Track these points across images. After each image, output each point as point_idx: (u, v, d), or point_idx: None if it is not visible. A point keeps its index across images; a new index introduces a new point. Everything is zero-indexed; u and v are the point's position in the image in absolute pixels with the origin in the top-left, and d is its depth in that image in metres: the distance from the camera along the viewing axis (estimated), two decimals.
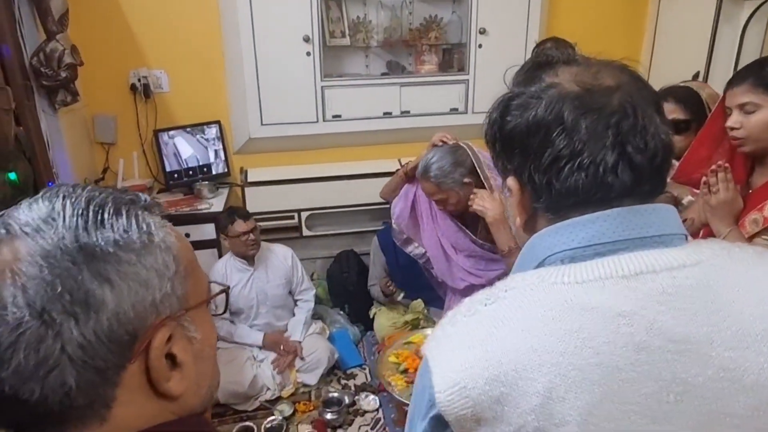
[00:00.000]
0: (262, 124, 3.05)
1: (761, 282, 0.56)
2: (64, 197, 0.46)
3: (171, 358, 0.47)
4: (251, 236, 2.58)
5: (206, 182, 2.96)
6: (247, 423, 2.44)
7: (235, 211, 2.60)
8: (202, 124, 3.01)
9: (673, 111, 1.84)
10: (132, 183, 2.89)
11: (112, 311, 0.43)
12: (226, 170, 3.11)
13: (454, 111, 3.22)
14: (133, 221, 0.47)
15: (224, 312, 0.60)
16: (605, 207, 0.57)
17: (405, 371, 2.11)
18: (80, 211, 0.45)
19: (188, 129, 2.98)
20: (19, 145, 2.18)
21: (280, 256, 2.76)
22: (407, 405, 1.51)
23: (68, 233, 0.44)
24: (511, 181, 0.65)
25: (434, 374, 0.55)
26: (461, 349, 0.55)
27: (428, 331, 2.37)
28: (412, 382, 1.86)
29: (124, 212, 0.47)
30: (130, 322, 0.44)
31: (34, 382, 0.41)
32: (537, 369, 0.51)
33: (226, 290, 0.56)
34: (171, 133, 2.94)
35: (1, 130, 1.98)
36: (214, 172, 3.07)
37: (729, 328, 0.52)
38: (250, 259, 2.67)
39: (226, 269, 2.67)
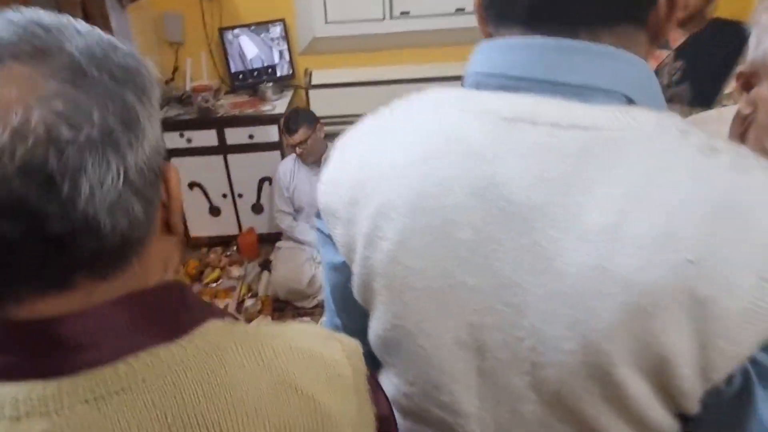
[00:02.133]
0: (326, 22, 2.92)
1: (661, 183, 0.43)
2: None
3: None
4: (298, 148, 2.56)
5: (270, 84, 2.93)
6: (306, 318, 2.54)
7: (290, 120, 2.56)
8: (267, 23, 2.93)
9: None
10: (200, 83, 2.91)
11: (150, 141, 0.42)
12: (290, 72, 3.05)
13: None
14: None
15: None
16: (524, 29, 0.48)
17: None
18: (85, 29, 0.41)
19: (252, 27, 2.92)
20: None
21: None
22: None
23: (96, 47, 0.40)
24: None
25: (327, 167, 0.60)
26: (343, 152, 0.58)
27: None
28: None
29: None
30: (158, 154, 0.43)
31: (104, 212, 0.38)
32: (385, 182, 0.52)
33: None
34: (235, 31, 2.90)
35: None
36: (278, 74, 3.02)
37: (568, 208, 0.44)
38: (312, 164, 2.67)
39: (295, 165, 2.69)
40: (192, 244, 3.11)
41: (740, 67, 0.79)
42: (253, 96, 2.97)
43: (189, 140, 2.79)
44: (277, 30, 2.95)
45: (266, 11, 2.92)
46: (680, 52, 1.73)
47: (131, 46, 0.45)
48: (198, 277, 2.82)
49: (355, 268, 0.57)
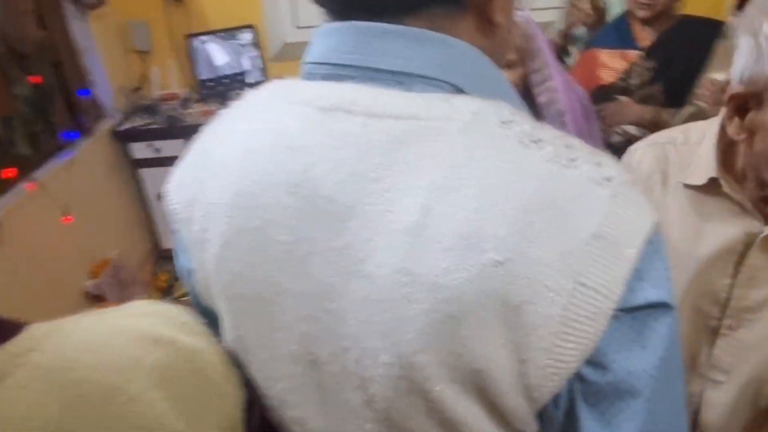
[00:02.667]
0: (298, 27, 2.87)
1: (470, 175, 0.39)
2: None
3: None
4: None
5: (241, 92, 2.85)
6: None
7: None
8: (235, 29, 2.86)
9: None
10: (168, 92, 2.84)
11: None
12: (262, 79, 2.98)
13: None
14: None
15: None
16: (342, 17, 0.45)
17: None
18: None
19: (221, 34, 2.85)
20: (43, 49, 2.14)
21: None
22: None
23: None
24: None
25: (171, 174, 0.56)
26: (194, 145, 0.54)
27: None
28: None
29: None
30: None
31: None
32: (213, 180, 0.49)
33: None
34: (203, 38, 2.83)
35: (20, 33, 1.94)
36: (249, 81, 2.96)
37: (377, 205, 0.40)
38: None
39: None
40: (164, 255, 3.02)
41: (732, 88, 0.69)
42: (223, 104, 2.89)
43: (158, 150, 2.71)
44: (246, 36, 2.89)
45: (234, 17, 2.86)
46: (651, 51, 1.72)
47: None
48: (168, 290, 2.74)
49: (196, 274, 0.53)
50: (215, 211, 0.48)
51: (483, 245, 0.37)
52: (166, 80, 2.91)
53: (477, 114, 0.41)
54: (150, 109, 2.78)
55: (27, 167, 1.92)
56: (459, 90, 0.43)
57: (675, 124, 1.34)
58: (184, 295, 2.74)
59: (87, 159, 2.36)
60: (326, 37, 0.46)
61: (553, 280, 0.37)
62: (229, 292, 0.49)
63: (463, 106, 0.41)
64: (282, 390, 0.50)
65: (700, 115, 1.49)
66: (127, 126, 2.70)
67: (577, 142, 0.42)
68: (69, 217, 2.08)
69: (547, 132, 0.42)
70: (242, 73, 2.94)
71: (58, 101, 2.20)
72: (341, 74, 0.44)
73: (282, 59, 2.98)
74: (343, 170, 0.41)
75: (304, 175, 0.43)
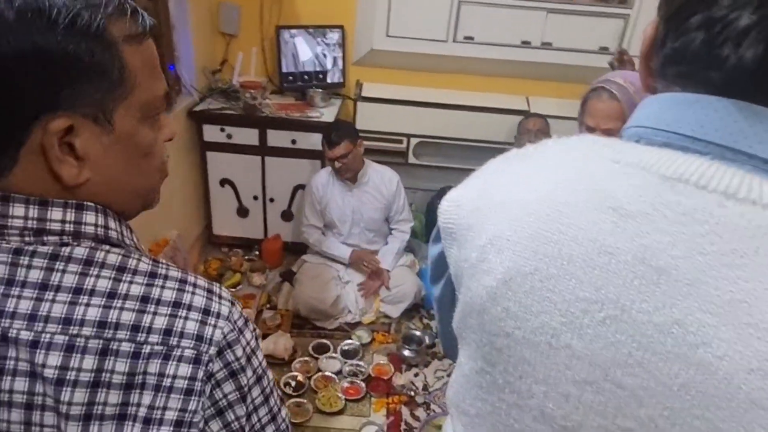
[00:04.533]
0: (387, 35, 2.82)
1: None
2: None
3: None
4: (338, 163, 2.43)
5: (320, 90, 2.82)
6: (324, 340, 2.41)
7: (329, 135, 2.43)
8: (325, 27, 2.83)
9: None
10: (247, 78, 2.81)
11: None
12: (341, 80, 2.95)
13: (604, 50, 2.79)
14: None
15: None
16: (709, 91, 0.43)
17: None
18: None
19: (310, 30, 2.82)
20: None
21: (386, 179, 2.61)
22: None
23: None
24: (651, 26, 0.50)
25: (449, 192, 0.56)
26: (476, 178, 0.55)
27: None
28: None
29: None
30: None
31: None
32: (505, 214, 0.48)
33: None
34: (293, 31, 2.80)
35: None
36: (329, 80, 2.92)
37: (728, 291, 0.38)
38: (349, 178, 2.55)
39: (330, 179, 2.58)
40: (213, 241, 2.98)
41: None
42: (300, 100, 2.86)
43: (229, 136, 2.68)
44: (335, 36, 2.85)
45: (326, 15, 2.83)
46: None
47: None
48: (218, 279, 2.69)
49: (459, 296, 0.53)
50: (501, 245, 0.47)
51: None
52: (247, 67, 2.88)
53: None
54: (227, 94, 2.76)
55: None
56: None
57: None
58: (235, 285, 2.70)
59: None
60: (680, 105, 0.44)
61: None
62: (493, 327, 0.48)
63: None
64: None
65: None
66: (203, 107, 2.68)
67: None
68: None
69: None
70: (324, 72, 2.90)
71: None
72: (687, 146, 0.42)
73: (364, 64, 2.94)
74: (687, 246, 0.39)
75: (631, 242, 0.41)
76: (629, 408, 0.41)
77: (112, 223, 0.55)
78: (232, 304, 0.57)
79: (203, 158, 2.75)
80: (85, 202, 0.53)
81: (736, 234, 0.39)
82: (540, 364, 0.45)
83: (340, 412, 2.09)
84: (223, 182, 2.82)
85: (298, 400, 2.10)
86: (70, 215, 0.52)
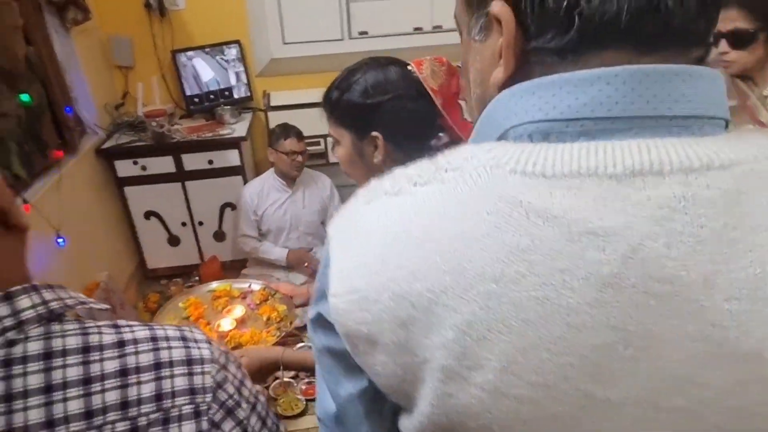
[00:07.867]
0: (284, 43, 2.87)
1: None
2: None
3: None
4: (299, 157, 2.50)
5: (228, 107, 2.84)
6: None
7: (292, 128, 2.50)
8: (221, 44, 2.85)
9: (735, 19, 1.56)
10: (152, 108, 2.79)
11: None
12: (248, 94, 2.97)
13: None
14: None
15: None
16: (633, 54, 0.37)
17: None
18: None
19: (207, 50, 2.83)
20: (31, 66, 2.08)
21: (320, 183, 2.69)
22: None
23: None
24: (498, 6, 0.40)
25: (332, 269, 0.43)
26: (371, 244, 0.41)
27: None
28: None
29: None
30: None
31: None
32: (460, 295, 0.37)
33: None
34: (189, 54, 2.80)
35: (10, 50, 1.88)
36: (236, 96, 2.94)
37: (744, 269, 0.35)
38: (290, 181, 2.60)
39: (264, 186, 2.61)
40: (150, 276, 2.94)
41: None
42: (210, 120, 2.87)
43: (144, 167, 2.66)
44: (233, 51, 2.87)
45: (220, 33, 2.84)
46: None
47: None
48: (158, 312, 2.66)
49: (422, 407, 0.42)
50: (481, 333, 0.37)
51: None
52: (150, 96, 2.86)
53: None
54: (134, 126, 2.73)
55: (19, 189, 1.86)
56: (727, 125, 0.40)
57: None
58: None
59: (73, 178, 2.29)
60: (581, 85, 0.37)
61: None
62: (505, 422, 0.39)
63: (763, 140, 0.38)
64: None
65: None
66: (111, 143, 2.64)
67: None
68: (61, 239, 2.02)
69: None
70: (229, 89, 2.92)
71: (46, 119, 2.14)
72: (610, 129, 0.37)
73: (267, 74, 2.97)
74: (683, 241, 0.35)
75: (622, 263, 0.34)
76: (692, 425, 0.38)
77: (47, 294, 0.50)
78: (209, 342, 0.56)
79: (122, 194, 2.72)
80: (9, 290, 0.48)
81: (718, 209, 0.35)
82: (571, 430, 0.38)
83: (302, 414, 2.13)
84: (148, 215, 2.79)
85: None
86: (4, 309, 0.47)
